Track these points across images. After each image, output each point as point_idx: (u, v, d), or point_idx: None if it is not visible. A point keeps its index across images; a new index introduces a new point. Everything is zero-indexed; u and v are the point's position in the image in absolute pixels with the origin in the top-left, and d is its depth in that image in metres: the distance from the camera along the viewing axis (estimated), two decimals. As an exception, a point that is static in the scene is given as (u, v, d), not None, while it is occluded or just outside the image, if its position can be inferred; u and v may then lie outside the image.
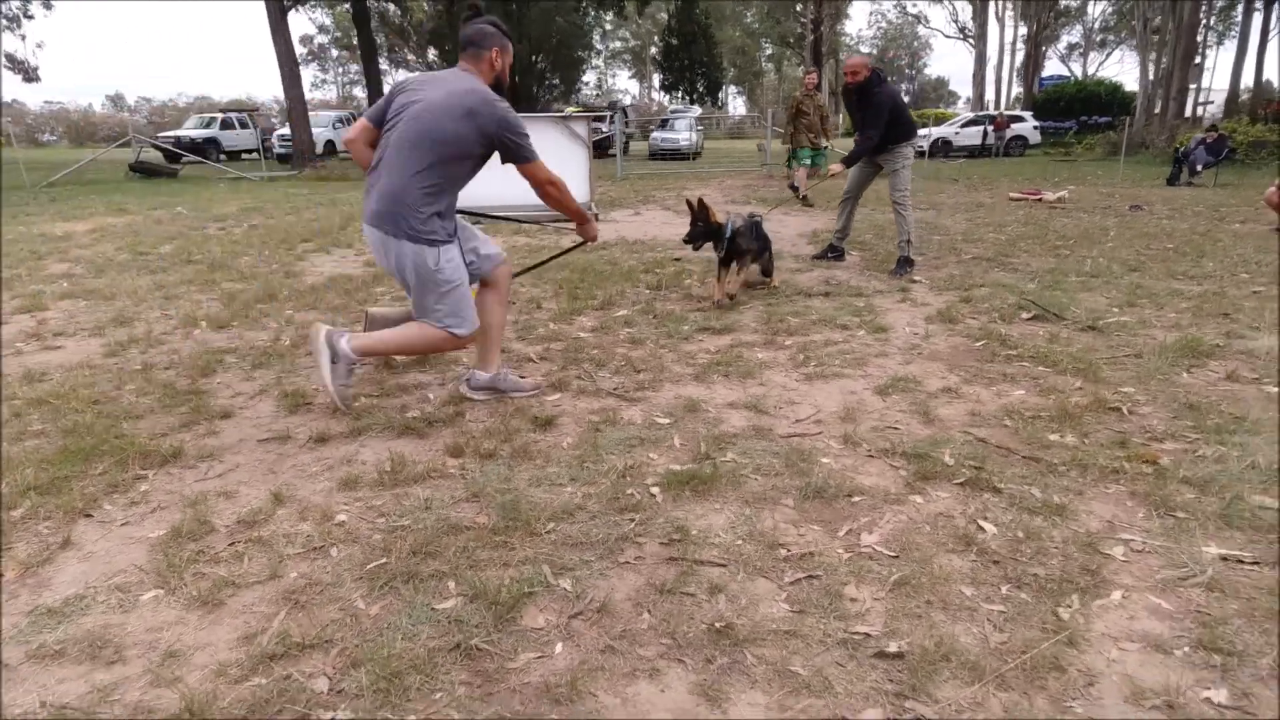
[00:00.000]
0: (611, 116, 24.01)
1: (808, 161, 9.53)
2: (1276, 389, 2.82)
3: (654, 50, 36.04)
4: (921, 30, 55.85)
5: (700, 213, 4.16)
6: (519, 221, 7.17)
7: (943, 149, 22.02)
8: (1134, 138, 18.36)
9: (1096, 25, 43.03)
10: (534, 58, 21.08)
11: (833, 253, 5.68)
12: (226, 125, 22.19)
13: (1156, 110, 21.47)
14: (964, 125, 22.43)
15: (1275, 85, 27.48)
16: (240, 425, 2.63)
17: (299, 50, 22.26)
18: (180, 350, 3.48)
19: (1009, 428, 2.52)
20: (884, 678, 1.39)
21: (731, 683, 1.39)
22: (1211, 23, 30.16)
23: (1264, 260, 5.30)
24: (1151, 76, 23.53)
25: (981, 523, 1.93)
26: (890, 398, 2.83)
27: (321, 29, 50.21)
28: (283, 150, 19.36)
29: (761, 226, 4.54)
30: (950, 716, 1.31)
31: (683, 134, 22.22)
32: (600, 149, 20.09)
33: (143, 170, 14.24)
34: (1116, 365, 3.13)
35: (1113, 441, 2.39)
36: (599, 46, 60.13)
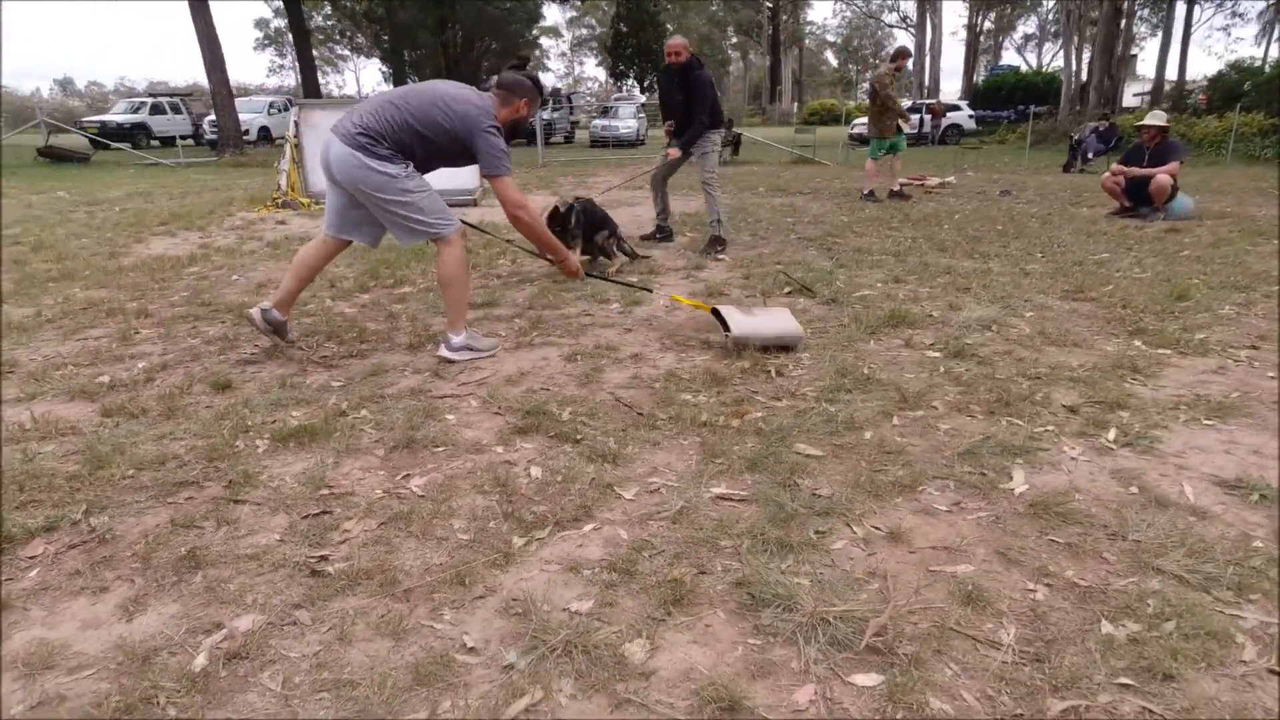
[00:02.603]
0: (553, 103, 24.05)
1: (884, 152, 8.42)
2: (936, 353, 3.04)
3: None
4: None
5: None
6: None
7: (880, 137, 22.31)
8: (1060, 126, 18.80)
9: (1051, 16, 43.69)
10: (472, 44, 21.00)
11: (660, 234, 5.84)
12: (157, 110, 21.79)
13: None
14: (902, 114, 22.70)
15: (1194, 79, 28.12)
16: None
17: (255, 34, 21.95)
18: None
19: (655, 389, 2.70)
20: (303, 593, 1.55)
21: (161, 597, 1.54)
22: (1146, 14, 30.81)
23: (1066, 243, 5.57)
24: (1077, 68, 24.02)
25: (532, 468, 2.10)
26: (573, 363, 3.00)
27: (278, 12, 49.43)
28: (213, 136, 19.10)
29: (592, 209, 4.59)
30: (335, 624, 1.47)
31: (624, 121, 22.28)
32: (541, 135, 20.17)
33: (52, 155, 14.02)
34: (816, 335, 3.34)
35: (734, 400, 2.58)
36: (557, 34, 59.69)
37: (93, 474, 2.03)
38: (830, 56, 67.38)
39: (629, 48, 28.48)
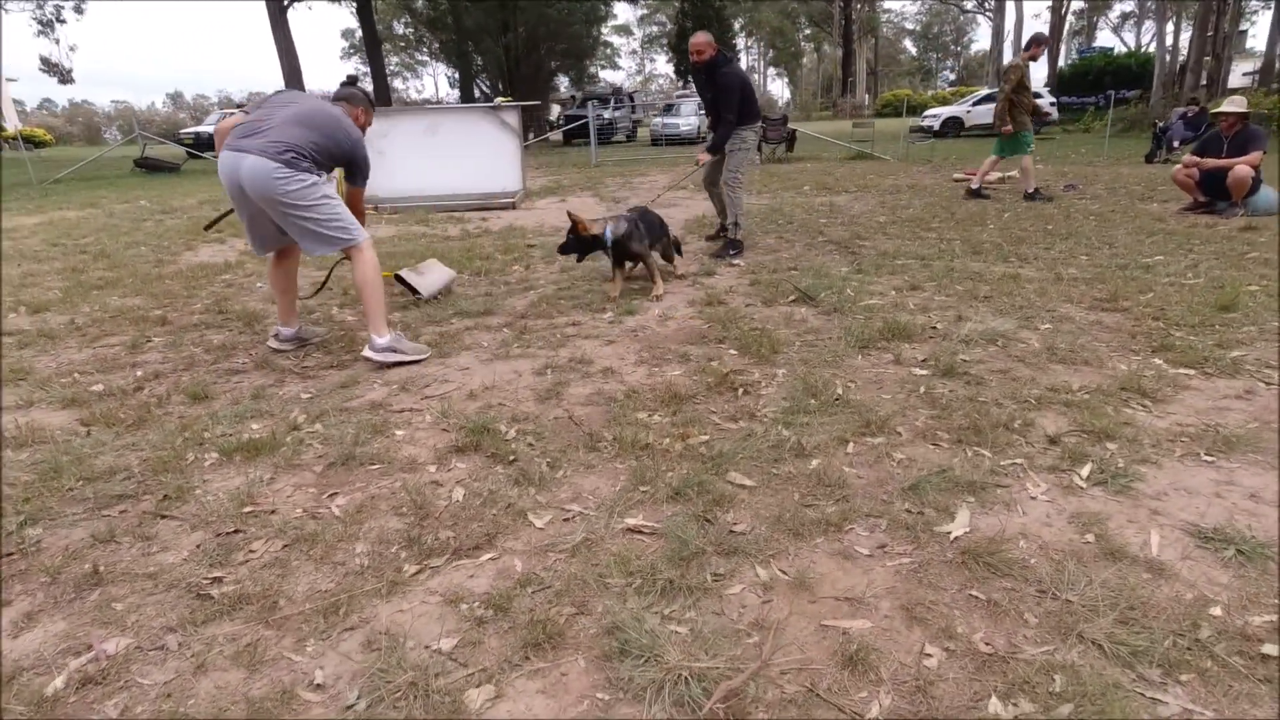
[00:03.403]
0: (614, 102, 24.11)
1: (1031, 148, 7.57)
2: (925, 370, 2.84)
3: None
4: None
5: (571, 226, 4.12)
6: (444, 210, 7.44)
7: (954, 128, 21.32)
8: (1151, 113, 17.43)
9: (1152, -8, 40.49)
10: (535, 47, 21.30)
11: (723, 234, 5.65)
12: (245, 119, 23.08)
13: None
14: (976, 103, 21.61)
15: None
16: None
17: (340, 44, 23.09)
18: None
19: (612, 407, 2.62)
20: (182, 616, 1.57)
21: (53, 614, 1.59)
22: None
23: (1121, 243, 5.12)
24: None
25: (456, 490, 2.07)
26: (542, 376, 2.95)
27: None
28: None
29: (649, 216, 4.39)
30: (199, 651, 1.48)
31: (684, 119, 22.09)
32: (603, 136, 20.28)
33: (147, 166, 15.09)
34: (805, 348, 3.18)
35: (686, 420, 2.47)
36: (628, 33, 59.86)
37: (45, 484, 2.13)
38: (909, 44, 64.87)
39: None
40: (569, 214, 4.20)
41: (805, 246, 5.49)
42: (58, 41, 29.89)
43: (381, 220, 7.87)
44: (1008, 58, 31.75)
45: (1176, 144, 10.88)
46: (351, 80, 3.58)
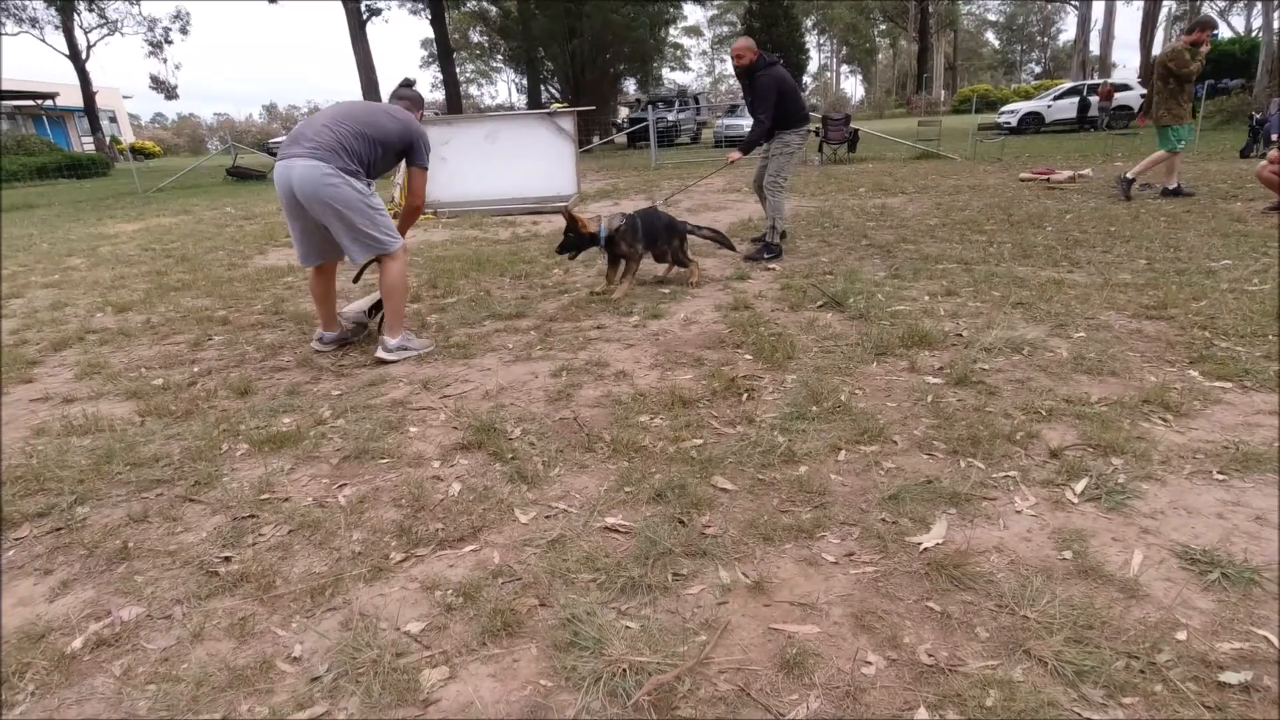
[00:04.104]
0: (679, 104, 24.14)
1: (1182, 145, 6.91)
2: (939, 379, 2.78)
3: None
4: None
5: (570, 224, 4.26)
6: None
7: (1034, 124, 20.35)
8: (1254, 104, 16.12)
9: (1264, -29, 37.39)
10: (600, 52, 21.61)
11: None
12: (328, 129, 24.44)
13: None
14: (1058, 97, 20.56)
15: None
16: None
17: (420, 54, 24.37)
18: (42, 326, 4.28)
19: (617, 410, 2.69)
20: (191, 590, 1.74)
21: (85, 583, 1.79)
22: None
23: (1189, 246, 4.82)
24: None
25: (454, 485, 2.19)
26: (559, 377, 3.05)
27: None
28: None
29: (653, 217, 4.47)
30: (200, 621, 1.64)
31: (749, 120, 21.89)
32: (667, 138, 20.37)
33: (237, 174, 16.19)
34: (821, 354, 3.16)
35: (686, 424, 2.52)
36: (698, 34, 59.76)
37: (97, 469, 2.38)
38: (991, 37, 62.15)
39: (761, 44, 27.82)
40: (565, 212, 4.33)
41: (846, 250, 5.41)
42: (165, 61, 32.34)
43: (439, 224, 8.21)
44: (1095, 49, 30.03)
45: (1275, 137, 10.05)
46: (408, 83, 3.73)
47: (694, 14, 59.47)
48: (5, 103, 24.33)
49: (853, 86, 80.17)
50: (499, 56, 48.58)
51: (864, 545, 1.78)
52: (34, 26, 27.47)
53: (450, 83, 22.68)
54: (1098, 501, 1.89)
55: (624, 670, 1.40)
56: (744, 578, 1.68)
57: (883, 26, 54.82)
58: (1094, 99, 19.87)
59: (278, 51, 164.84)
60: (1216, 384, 2.59)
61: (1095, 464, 2.08)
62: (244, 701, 1.40)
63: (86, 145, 27.70)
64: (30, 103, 25.50)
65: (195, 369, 3.43)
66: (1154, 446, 2.16)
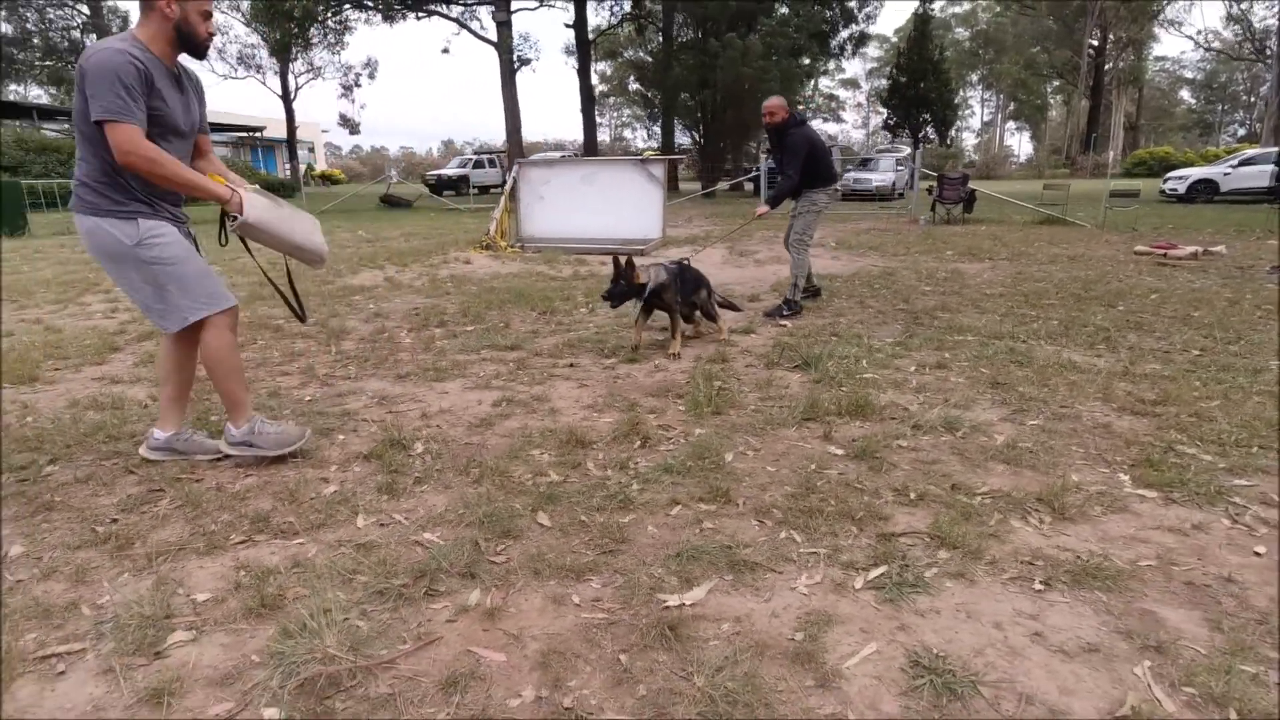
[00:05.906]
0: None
1: None
2: (843, 450, 2.70)
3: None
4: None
5: (626, 271, 4.14)
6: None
7: (1204, 192, 18.23)
8: None
9: None
10: (733, 102, 22.18)
11: (808, 294, 5.68)
12: (478, 165, 27.00)
13: None
14: (1240, 163, 18.30)
15: None
16: None
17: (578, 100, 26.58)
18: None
19: (520, 441, 2.86)
20: (73, 538, 2.12)
21: (6, 520, 2.23)
22: None
23: (1259, 340, 4.24)
24: None
25: (328, 488, 2.46)
26: (497, 407, 3.27)
27: (601, 77, 57.53)
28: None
29: (688, 273, 4.49)
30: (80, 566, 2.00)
31: (879, 174, 21.40)
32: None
33: (389, 202, 18.17)
34: (754, 412, 3.15)
35: (563, 462, 2.64)
36: (855, 86, 59.21)
37: (85, 437, 2.90)
38: (1186, 95, 56.40)
39: (906, 97, 27.26)
40: (628, 259, 4.17)
41: (875, 313, 5.25)
42: (353, 101, 36.99)
43: (520, 257, 8.80)
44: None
45: None
46: None
47: (852, 67, 58.99)
48: (227, 134, 29.01)
49: (1019, 143, 75.66)
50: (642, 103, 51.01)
51: (616, 594, 1.82)
52: (258, 71, 32.70)
53: (589, 127, 24.18)
54: (880, 591, 1.81)
55: (317, 658, 1.56)
56: (487, 603, 1.79)
57: (1056, 83, 51.51)
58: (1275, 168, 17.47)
59: (451, 91, 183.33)
60: (1139, 491, 2.33)
61: (918, 554, 1.97)
62: (34, 631, 1.71)
63: (289, 171, 32.36)
64: (245, 134, 30.19)
65: (222, 366, 4.00)
66: (999, 546, 2.01)
